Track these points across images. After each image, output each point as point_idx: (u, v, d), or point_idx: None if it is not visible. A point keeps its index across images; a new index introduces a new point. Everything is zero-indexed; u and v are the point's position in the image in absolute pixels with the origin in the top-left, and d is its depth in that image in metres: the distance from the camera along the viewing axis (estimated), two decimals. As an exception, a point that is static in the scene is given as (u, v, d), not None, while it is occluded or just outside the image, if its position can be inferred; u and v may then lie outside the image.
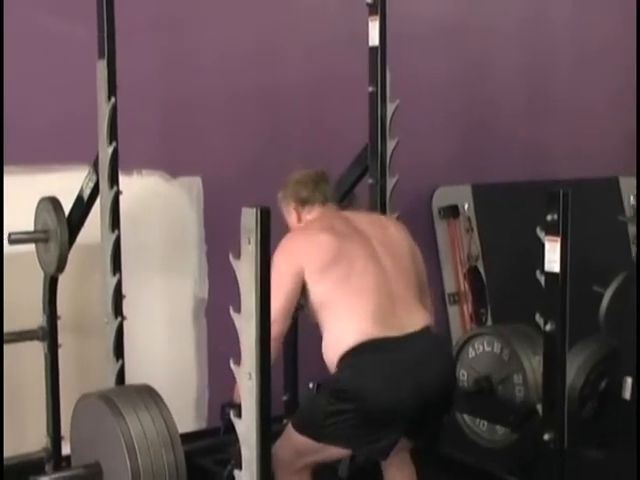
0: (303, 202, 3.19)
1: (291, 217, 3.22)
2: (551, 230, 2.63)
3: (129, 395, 2.81)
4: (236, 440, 2.39)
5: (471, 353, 3.85)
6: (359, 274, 2.96)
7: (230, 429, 2.70)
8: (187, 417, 4.16)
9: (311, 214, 3.19)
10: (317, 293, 2.95)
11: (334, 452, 3.01)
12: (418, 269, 3.17)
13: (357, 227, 3.10)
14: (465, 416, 3.88)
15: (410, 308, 3.02)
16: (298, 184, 3.20)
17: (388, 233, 3.14)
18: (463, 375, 3.85)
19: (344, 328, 2.92)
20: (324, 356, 2.99)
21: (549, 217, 2.63)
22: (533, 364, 3.54)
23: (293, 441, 3.01)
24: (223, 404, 3.06)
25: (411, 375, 2.89)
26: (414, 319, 3.00)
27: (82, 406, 2.88)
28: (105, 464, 2.76)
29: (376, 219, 3.30)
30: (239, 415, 2.35)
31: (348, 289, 2.94)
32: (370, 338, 2.89)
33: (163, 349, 4.19)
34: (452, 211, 4.95)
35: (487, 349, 3.80)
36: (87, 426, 2.84)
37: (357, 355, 2.89)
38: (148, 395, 2.81)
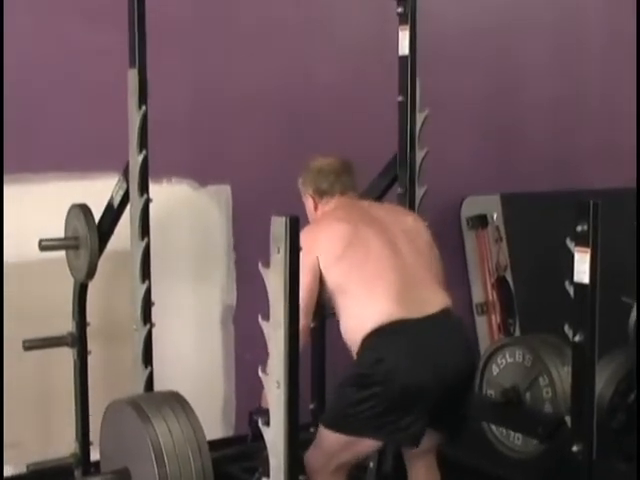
0: (321, 193, 3.20)
1: (308, 203, 3.24)
2: (581, 241, 2.62)
3: (158, 402, 2.82)
4: (264, 448, 2.40)
5: (498, 365, 3.84)
6: (376, 258, 2.97)
7: (258, 437, 2.70)
8: (214, 424, 4.17)
9: (328, 205, 3.19)
10: (333, 278, 2.95)
11: (365, 446, 3.00)
12: (434, 257, 3.17)
13: (374, 215, 3.11)
14: (492, 427, 3.86)
15: (429, 289, 3.03)
16: (319, 174, 3.20)
17: (406, 222, 3.17)
18: (490, 388, 3.84)
19: (364, 311, 2.93)
20: (345, 338, 3.01)
21: (579, 228, 2.62)
22: (561, 375, 3.52)
23: (324, 443, 3.01)
24: (251, 411, 3.06)
25: (431, 356, 2.90)
26: (433, 300, 3.01)
27: (111, 412, 2.90)
28: (134, 470, 2.78)
29: (394, 208, 3.32)
30: (267, 423, 2.35)
31: (365, 272, 2.95)
32: (390, 320, 2.89)
33: (191, 356, 4.20)
34: (480, 221, 4.93)
35: (514, 359, 3.78)
36: (116, 432, 2.86)
37: (378, 337, 2.90)
38: (176, 402, 2.83)
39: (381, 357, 2.87)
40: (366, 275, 2.95)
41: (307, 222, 3.18)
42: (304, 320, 2.85)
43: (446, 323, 3.02)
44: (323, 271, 2.95)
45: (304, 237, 2.97)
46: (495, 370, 3.85)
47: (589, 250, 2.61)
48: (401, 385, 2.85)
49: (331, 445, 3.00)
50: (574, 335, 2.66)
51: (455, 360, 2.96)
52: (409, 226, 3.15)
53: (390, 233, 3.05)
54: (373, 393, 2.88)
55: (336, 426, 2.97)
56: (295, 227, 2.23)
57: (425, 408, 2.91)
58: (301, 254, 2.87)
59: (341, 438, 2.97)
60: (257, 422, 2.80)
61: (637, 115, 5.05)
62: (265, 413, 2.40)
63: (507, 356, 3.82)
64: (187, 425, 2.75)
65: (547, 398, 3.62)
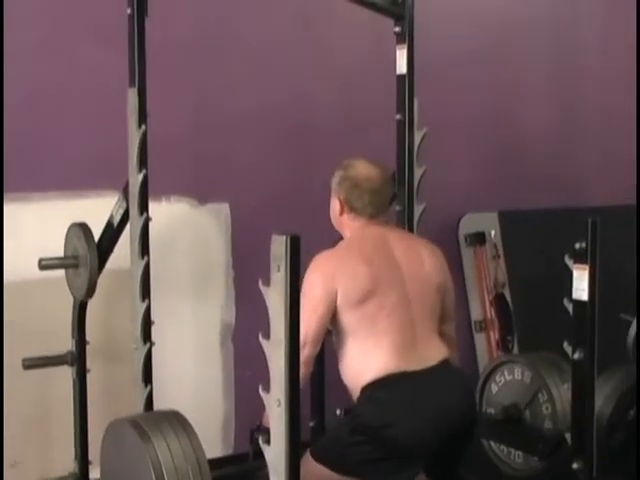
0: (351, 209, 3.13)
1: (335, 204, 3.16)
2: (580, 258, 2.63)
3: (158, 421, 2.82)
4: (265, 466, 2.40)
5: (497, 382, 3.84)
6: (389, 311, 2.96)
7: (259, 455, 2.71)
8: (214, 443, 4.17)
9: (354, 222, 3.13)
10: (346, 322, 2.95)
11: None
12: (447, 300, 3.18)
13: (395, 256, 3.07)
14: (492, 444, 3.86)
15: (431, 343, 3.04)
16: (355, 190, 3.10)
17: (423, 265, 3.12)
18: (490, 406, 3.84)
19: (367, 360, 2.94)
20: (344, 380, 3.02)
21: (577, 245, 2.63)
22: (561, 390, 3.52)
23: (307, 474, 2.98)
24: (252, 429, 3.06)
25: (431, 409, 2.90)
26: (434, 354, 3.02)
27: (112, 431, 2.90)
28: None
29: (414, 247, 3.20)
30: (268, 442, 2.35)
31: (376, 326, 2.95)
32: (392, 372, 2.91)
33: (190, 374, 4.20)
34: (479, 238, 4.94)
35: (515, 377, 3.78)
36: (117, 451, 2.86)
37: (379, 389, 2.91)
38: (177, 421, 2.83)
39: (381, 411, 2.88)
40: (375, 328, 2.94)
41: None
42: (310, 350, 2.87)
43: (446, 374, 3.02)
44: (340, 311, 2.94)
45: (326, 264, 2.98)
46: (494, 388, 3.86)
47: (588, 267, 2.62)
48: (399, 439, 2.86)
49: (316, 475, 2.97)
50: (573, 352, 2.67)
51: (455, 411, 2.96)
52: (424, 269, 3.11)
53: (403, 280, 3.02)
54: (370, 442, 2.89)
55: (326, 461, 2.97)
56: (296, 246, 2.24)
57: (421, 460, 2.94)
58: (317, 281, 2.90)
59: (327, 474, 2.96)
60: (258, 440, 2.82)
61: (637, 132, 5.07)
62: (266, 431, 2.40)
63: (506, 373, 3.83)
64: (188, 445, 2.74)
65: (547, 414, 3.62)
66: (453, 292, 3.26)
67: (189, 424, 2.83)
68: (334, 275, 2.93)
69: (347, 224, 3.15)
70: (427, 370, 2.96)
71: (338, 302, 2.92)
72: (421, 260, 3.13)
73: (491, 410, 3.82)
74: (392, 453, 2.88)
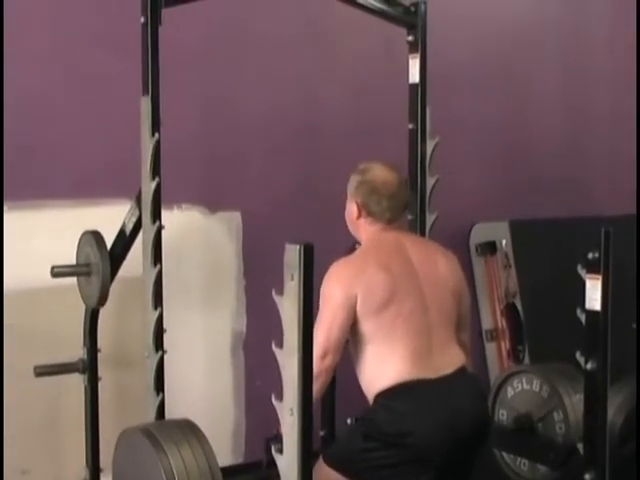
0: (368, 213, 3.10)
1: (351, 208, 3.13)
2: (592, 268, 2.62)
3: (171, 430, 2.82)
4: (277, 475, 2.40)
5: (510, 392, 3.83)
6: (406, 318, 2.95)
7: (273, 464, 2.72)
8: (224, 451, 4.16)
9: (371, 226, 3.11)
10: (364, 329, 2.94)
11: None
12: (462, 306, 3.17)
13: (411, 262, 3.05)
14: (504, 454, 3.85)
15: (447, 350, 3.03)
16: (372, 194, 3.08)
17: (438, 271, 3.10)
18: (502, 414, 3.83)
19: (383, 367, 2.93)
20: (361, 385, 3.01)
21: (590, 255, 2.62)
22: (573, 402, 3.51)
23: (322, 478, 2.98)
24: (267, 438, 3.05)
25: (445, 415, 2.89)
26: (449, 361, 3.01)
27: (124, 440, 2.90)
28: None
29: (429, 253, 3.18)
30: (280, 451, 2.35)
31: (393, 331, 2.93)
32: (406, 380, 2.90)
33: (201, 382, 4.20)
34: (489, 247, 4.94)
35: (526, 387, 3.77)
36: (129, 460, 2.86)
37: (393, 397, 2.91)
38: (189, 430, 2.83)
39: (395, 419, 2.88)
40: (393, 335, 2.93)
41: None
42: (332, 358, 2.85)
43: (460, 382, 3.01)
44: (359, 319, 2.92)
45: (346, 271, 2.96)
46: (510, 392, 3.83)
47: (601, 277, 2.61)
48: (414, 446, 2.86)
49: None
50: (586, 363, 2.66)
51: (468, 419, 2.95)
52: (440, 276, 3.09)
53: (421, 287, 3.01)
54: (383, 449, 2.89)
55: (339, 467, 2.97)
56: (309, 255, 2.24)
57: (432, 468, 2.93)
58: (336, 288, 2.89)
59: (338, 478, 2.97)
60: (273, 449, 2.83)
61: (637, 143, 5.06)
62: (281, 440, 2.41)
63: (524, 382, 3.80)
64: (201, 454, 2.74)
65: (560, 434, 3.59)
66: (468, 298, 3.26)
67: (202, 433, 2.82)
68: (353, 283, 2.92)
69: (364, 228, 3.13)
70: (442, 378, 2.95)
71: (357, 309, 2.91)
72: (437, 265, 3.12)
73: (504, 412, 3.80)
74: (405, 458, 2.88)
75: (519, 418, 3.71)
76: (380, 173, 3.11)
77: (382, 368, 2.93)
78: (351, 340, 2.99)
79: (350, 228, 3.18)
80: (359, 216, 3.12)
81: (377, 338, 2.94)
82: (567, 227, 4.77)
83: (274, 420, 2.45)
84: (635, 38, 5.31)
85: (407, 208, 3.26)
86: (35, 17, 3.71)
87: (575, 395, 3.47)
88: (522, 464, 3.80)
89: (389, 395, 2.91)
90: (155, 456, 2.69)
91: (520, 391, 3.79)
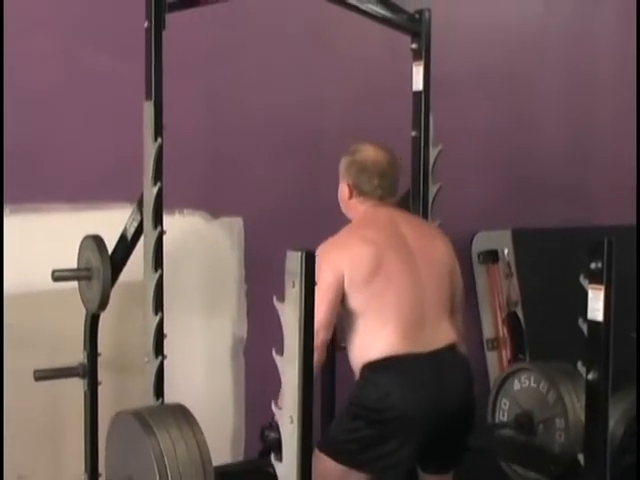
0: (360, 192, 3.14)
1: (343, 189, 3.18)
2: (595, 278, 2.61)
3: (162, 414, 2.80)
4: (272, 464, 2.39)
5: (516, 385, 3.80)
6: (395, 292, 2.96)
7: (268, 452, 2.72)
8: (224, 456, 4.16)
9: (363, 205, 3.15)
10: (353, 304, 2.96)
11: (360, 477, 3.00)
12: (455, 286, 3.18)
13: (403, 235, 3.07)
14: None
15: (438, 326, 3.04)
16: (363, 173, 3.13)
17: (432, 246, 3.13)
18: (505, 404, 3.81)
19: (372, 340, 2.95)
20: (350, 359, 3.04)
21: (593, 265, 2.61)
22: (576, 408, 3.48)
23: (317, 469, 2.98)
24: (263, 426, 3.06)
25: (431, 391, 2.93)
26: (441, 337, 3.03)
27: (116, 424, 2.88)
28: None
29: (423, 229, 3.25)
30: (280, 459, 2.34)
31: (383, 304, 2.95)
32: (395, 353, 2.92)
33: (201, 387, 4.19)
34: (491, 256, 4.94)
35: (533, 385, 3.74)
36: (120, 444, 2.84)
37: (380, 370, 2.94)
38: (181, 414, 2.80)
39: (380, 395, 2.91)
40: (383, 309, 2.96)
41: (327, 234, 3.14)
42: (323, 334, 2.87)
43: (448, 358, 3.04)
44: (346, 294, 2.95)
45: (332, 251, 2.99)
46: (516, 386, 3.82)
47: (603, 287, 2.60)
48: (398, 421, 2.89)
49: (324, 472, 2.99)
50: (587, 373, 2.65)
51: (454, 396, 2.98)
52: (434, 252, 3.12)
53: (414, 262, 3.03)
54: (369, 427, 2.92)
55: (333, 454, 2.99)
56: (311, 262, 2.23)
57: (419, 442, 2.93)
58: (324, 268, 2.87)
59: (333, 466, 2.98)
60: (268, 437, 2.83)
61: (637, 155, 5.05)
62: (277, 429, 2.41)
63: (532, 380, 3.78)
64: (190, 437, 2.71)
65: (559, 442, 3.57)
66: (461, 280, 3.26)
67: (193, 418, 2.79)
68: (338, 260, 2.94)
69: (355, 207, 3.17)
70: (431, 353, 2.97)
71: (345, 285, 2.93)
72: (432, 242, 3.15)
73: (506, 401, 3.79)
74: (392, 434, 2.90)
75: (520, 416, 3.69)
76: (370, 152, 3.16)
77: (372, 340, 2.95)
78: (344, 314, 3.00)
79: (343, 210, 3.21)
80: (350, 196, 3.15)
81: (368, 311, 2.96)
82: (569, 236, 4.75)
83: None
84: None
85: (398, 188, 3.26)
86: (37, 20, 3.71)
87: (578, 402, 3.45)
88: None
89: (376, 367, 2.94)
90: (145, 439, 2.66)
91: (527, 387, 3.76)
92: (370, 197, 3.14)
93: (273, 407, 2.37)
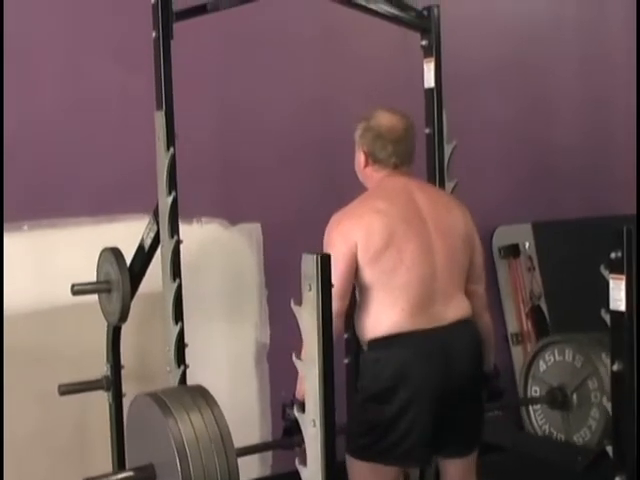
0: (375, 160, 3.08)
1: (359, 157, 3.12)
2: (615, 268, 2.58)
3: (181, 396, 2.74)
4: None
5: (542, 366, 3.77)
6: (406, 266, 2.92)
7: (290, 431, 2.69)
8: (251, 463, 4.15)
9: (378, 173, 3.09)
10: (367, 277, 2.92)
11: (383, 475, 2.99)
12: (475, 255, 3.13)
13: (417, 206, 3.02)
14: (538, 429, 3.81)
15: (449, 301, 2.99)
16: (378, 140, 3.05)
17: (448, 216, 3.07)
18: (535, 392, 3.80)
19: (380, 317, 2.93)
20: (357, 332, 3.03)
21: (613, 255, 2.58)
22: (608, 368, 3.43)
23: (351, 475, 3.01)
24: (284, 404, 3.04)
25: (433, 364, 2.90)
26: (450, 312, 2.99)
27: (135, 407, 2.84)
28: (158, 465, 2.70)
29: (439, 198, 3.17)
30: (304, 462, 2.33)
31: (393, 281, 2.91)
32: (401, 331, 2.90)
33: (225, 395, 4.13)
34: (513, 250, 4.91)
35: (559, 358, 3.70)
36: (140, 427, 2.81)
37: (384, 346, 2.92)
38: (200, 396, 2.75)
39: (385, 367, 2.90)
40: (393, 285, 2.92)
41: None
42: (338, 303, 2.79)
43: (456, 333, 2.98)
44: (359, 266, 2.91)
45: (345, 221, 2.95)
46: (542, 367, 3.78)
47: (624, 277, 2.57)
48: (404, 392, 2.87)
49: (355, 474, 3.00)
50: (612, 364, 2.62)
51: (461, 369, 2.95)
52: (450, 223, 3.06)
53: (427, 235, 2.98)
54: (375, 407, 2.91)
55: (352, 451, 2.99)
56: (326, 265, 2.22)
57: (427, 422, 2.91)
58: (337, 238, 2.89)
59: (359, 466, 2.97)
60: (290, 416, 2.82)
61: (637, 142, 5.01)
62: (299, 405, 2.40)
63: (556, 354, 3.73)
64: (211, 419, 2.66)
65: (595, 402, 3.53)
66: (481, 249, 3.20)
67: (213, 399, 2.74)
68: (352, 231, 2.90)
69: (371, 176, 3.11)
70: (437, 328, 2.94)
71: (358, 257, 2.90)
72: (448, 212, 3.08)
73: (537, 389, 3.75)
74: (400, 410, 2.88)
75: (552, 391, 3.66)
76: (385, 119, 3.08)
77: (379, 318, 2.93)
78: (357, 287, 2.98)
79: (359, 177, 3.16)
80: (366, 164, 3.10)
81: (378, 287, 2.92)
82: (590, 227, 4.71)
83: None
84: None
85: (414, 156, 3.19)
86: (49, 35, 3.74)
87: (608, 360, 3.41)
88: (558, 439, 3.76)
89: (382, 344, 2.93)
90: (164, 422, 2.61)
91: (553, 364, 3.72)
92: (385, 165, 3.07)
93: (295, 412, 2.36)
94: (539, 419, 3.85)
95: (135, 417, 2.85)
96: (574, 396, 3.61)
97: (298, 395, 2.76)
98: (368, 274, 2.92)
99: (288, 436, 2.98)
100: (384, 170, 3.08)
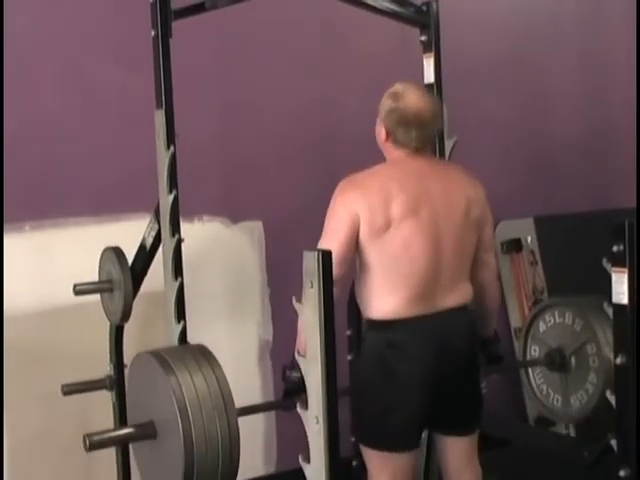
0: (395, 140, 3.05)
1: (380, 130, 3.08)
2: (618, 261, 2.58)
3: (182, 354, 2.76)
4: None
5: (542, 327, 3.78)
6: (411, 258, 2.91)
7: (291, 393, 2.74)
8: (256, 462, 4.15)
9: (396, 151, 3.06)
10: (368, 255, 2.92)
11: (392, 462, 2.99)
12: (486, 231, 3.13)
13: (429, 191, 2.98)
14: (536, 390, 3.83)
15: (450, 292, 3.00)
16: (401, 122, 3.00)
17: (460, 198, 3.04)
18: (535, 351, 3.80)
19: (380, 302, 2.94)
20: (357, 298, 3.04)
21: (615, 248, 2.58)
22: (607, 334, 3.42)
23: (368, 465, 3.05)
24: (285, 366, 3.04)
25: (429, 350, 2.93)
26: (450, 300, 3.00)
27: (136, 365, 2.85)
28: (159, 423, 2.72)
29: (452, 178, 3.11)
30: (307, 459, 2.33)
31: (397, 269, 2.91)
32: (397, 317, 2.92)
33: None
34: (515, 245, 4.90)
35: (559, 320, 3.71)
36: (141, 385, 2.83)
37: (380, 328, 2.95)
38: (201, 355, 2.76)
39: (378, 348, 2.93)
40: (396, 272, 2.91)
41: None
42: (338, 269, 2.71)
43: (452, 316, 3.00)
44: (359, 237, 2.90)
45: (347, 190, 2.95)
46: (542, 327, 3.78)
47: (626, 270, 2.57)
48: (401, 372, 2.90)
49: (367, 462, 3.03)
50: (615, 357, 2.62)
51: (456, 354, 2.98)
52: (460, 206, 3.02)
53: (435, 222, 2.95)
54: (373, 394, 2.94)
55: (359, 439, 3.04)
56: (327, 261, 2.22)
57: (424, 404, 2.94)
58: (342, 203, 2.89)
59: (369, 454, 3.01)
60: (290, 377, 2.85)
61: (637, 136, 5.00)
62: (299, 368, 2.41)
63: (556, 315, 3.74)
64: (212, 378, 2.69)
65: (593, 367, 3.54)
66: (492, 225, 3.20)
67: (214, 358, 2.76)
68: (356, 203, 2.89)
69: (389, 151, 3.09)
70: (433, 314, 2.96)
71: (360, 229, 2.89)
72: (460, 193, 3.05)
73: (536, 348, 3.77)
74: (397, 390, 2.91)
75: (551, 353, 3.67)
76: (413, 101, 3.01)
77: (379, 302, 2.94)
78: (358, 260, 2.96)
79: (379, 144, 3.13)
80: (387, 139, 3.08)
81: (382, 269, 2.92)
82: (592, 221, 4.70)
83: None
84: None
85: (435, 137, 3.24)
86: (49, 35, 3.74)
87: (609, 327, 3.40)
88: (555, 400, 3.77)
89: (378, 326, 2.95)
90: (165, 380, 2.62)
91: (552, 325, 3.73)
92: (406, 147, 3.04)
93: (298, 409, 2.36)
94: (537, 379, 3.87)
95: (136, 374, 2.87)
96: (572, 359, 3.63)
97: (299, 345, 2.75)
98: (370, 251, 2.91)
99: (289, 397, 2.98)
100: (404, 150, 3.05)
